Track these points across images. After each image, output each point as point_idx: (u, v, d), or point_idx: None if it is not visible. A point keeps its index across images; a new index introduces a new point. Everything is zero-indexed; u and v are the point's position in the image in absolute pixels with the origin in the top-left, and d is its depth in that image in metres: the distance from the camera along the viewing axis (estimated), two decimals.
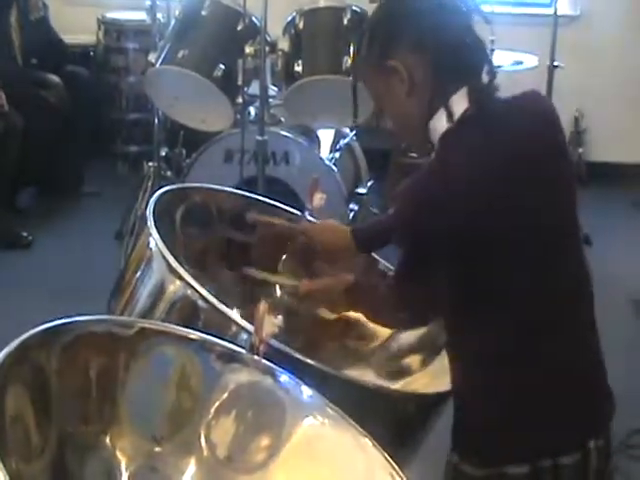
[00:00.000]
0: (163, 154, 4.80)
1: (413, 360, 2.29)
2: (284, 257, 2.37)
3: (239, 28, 4.23)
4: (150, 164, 4.70)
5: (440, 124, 1.81)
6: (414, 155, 5.33)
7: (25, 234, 4.95)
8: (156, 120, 4.69)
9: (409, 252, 1.85)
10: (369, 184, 4.83)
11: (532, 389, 1.83)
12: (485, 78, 1.84)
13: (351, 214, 4.51)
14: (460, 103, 1.80)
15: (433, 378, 2.16)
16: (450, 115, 1.79)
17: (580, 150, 5.86)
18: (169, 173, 4.78)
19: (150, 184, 4.60)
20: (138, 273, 2.07)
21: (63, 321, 1.64)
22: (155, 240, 1.99)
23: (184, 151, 4.93)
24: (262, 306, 1.79)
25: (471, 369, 1.87)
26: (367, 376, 2.22)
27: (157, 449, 1.74)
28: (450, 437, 1.91)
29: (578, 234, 1.94)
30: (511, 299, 1.81)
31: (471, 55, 1.83)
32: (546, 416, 1.84)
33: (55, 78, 5.43)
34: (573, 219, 1.91)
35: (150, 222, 2.02)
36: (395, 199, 1.82)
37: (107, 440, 1.69)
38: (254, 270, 2.30)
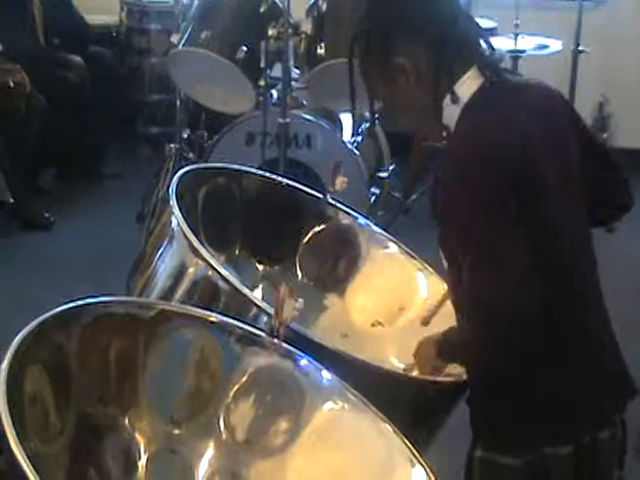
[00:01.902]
0: (185, 136, 4.79)
1: None
2: (301, 250, 2.36)
3: (262, 10, 4.21)
4: (172, 146, 4.69)
5: (453, 105, 1.80)
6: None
7: (47, 215, 4.97)
8: (178, 102, 4.68)
9: (485, 242, 1.71)
10: (391, 168, 4.80)
11: (569, 367, 1.83)
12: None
13: (372, 198, 4.49)
14: (472, 80, 1.80)
15: (452, 366, 2.14)
16: (455, 99, 1.79)
17: (604, 136, 5.80)
18: (191, 155, 4.77)
19: (171, 166, 4.60)
20: (159, 253, 2.06)
21: (82, 302, 1.63)
22: (177, 219, 1.97)
23: (206, 133, 4.91)
24: (283, 289, 1.77)
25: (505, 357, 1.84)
26: (388, 360, 2.21)
27: (176, 431, 1.73)
28: (470, 426, 1.90)
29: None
30: (552, 272, 1.78)
31: (467, 33, 1.83)
32: (585, 393, 1.85)
33: (77, 59, 5.42)
34: (581, 193, 1.90)
35: (173, 201, 2.01)
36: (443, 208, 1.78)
37: (126, 422, 1.69)
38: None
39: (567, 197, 1.85)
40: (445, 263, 1.88)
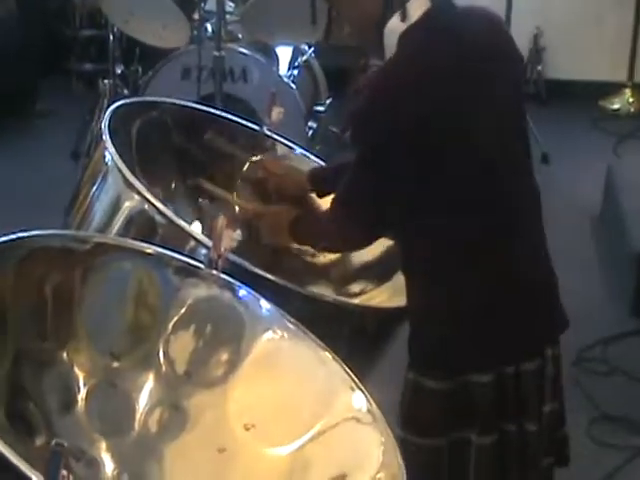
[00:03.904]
0: (119, 72, 4.73)
1: (370, 277, 2.29)
2: (238, 182, 2.36)
3: None
4: (106, 82, 4.63)
5: (397, 25, 1.80)
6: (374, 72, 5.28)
7: None
8: (111, 37, 4.61)
9: (361, 161, 1.82)
10: (328, 102, 4.78)
11: (493, 299, 1.86)
12: None
13: (310, 132, 4.47)
14: (419, 4, 1.80)
15: (392, 294, 2.16)
16: (404, 15, 1.79)
17: (539, 68, 5.83)
18: (125, 91, 4.71)
19: (106, 102, 4.53)
20: (94, 188, 2.04)
21: (16, 235, 1.61)
22: (111, 154, 1.95)
23: (140, 68, 4.85)
24: (220, 220, 1.76)
25: (430, 283, 1.89)
26: (326, 292, 2.21)
27: (115, 365, 1.72)
28: (407, 352, 1.93)
29: (529, 149, 1.95)
30: (468, 206, 1.82)
31: None
32: (509, 324, 1.87)
33: None
34: (523, 131, 1.93)
35: (106, 135, 1.98)
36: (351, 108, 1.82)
37: (64, 356, 1.67)
38: (210, 184, 2.28)
39: (500, 134, 1.85)
40: None
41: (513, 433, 1.88)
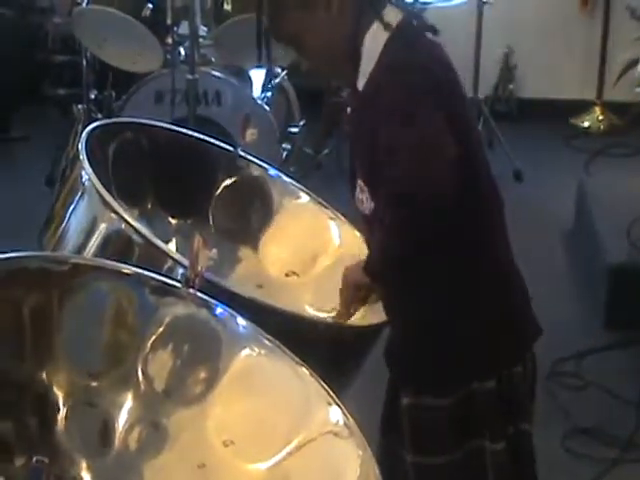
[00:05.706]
0: (93, 96, 4.74)
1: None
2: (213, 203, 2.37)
3: None
4: (80, 107, 4.64)
5: (379, 35, 1.82)
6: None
7: None
8: (84, 62, 4.62)
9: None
10: (301, 123, 4.82)
11: (492, 303, 1.90)
12: None
13: (284, 154, 4.50)
14: (392, 15, 1.84)
15: (366, 312, 2.18)
16: (386, 24, 1.82)
17: (511, 86, 5.89)
18: (99, 115, 4.72)
19: (80, 127, 4.54)
20: (70, 209, 2.05)
21: None
22: (88, 175, 1.97)
23: (114, 93, 4.86)
24: (197, 239, 1.78)
25: (430, 298, 1.90)
26: (301, 309, 2.24)
27: (94, 384, 1.73)
28: (394, 377, 1.96)
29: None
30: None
31: None
32: (503, 330, 1.91)
33: None
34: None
35: (83, 156, 2.00)
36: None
37: (43, 376, 1.68)
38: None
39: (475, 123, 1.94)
40: (364, 190, 1.91)
41: (512, 435, 1.92)
